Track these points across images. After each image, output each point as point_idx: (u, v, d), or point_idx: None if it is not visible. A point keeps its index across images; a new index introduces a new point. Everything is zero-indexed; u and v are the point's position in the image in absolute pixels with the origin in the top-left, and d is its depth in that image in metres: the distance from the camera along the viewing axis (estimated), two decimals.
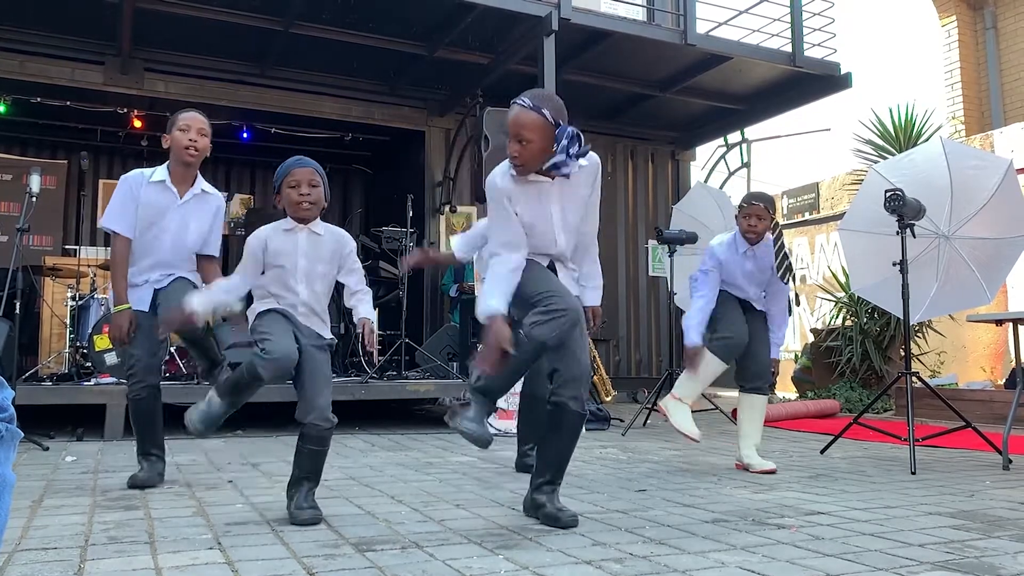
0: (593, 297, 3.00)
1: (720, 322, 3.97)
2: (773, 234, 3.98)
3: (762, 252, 4.00)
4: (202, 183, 3.51)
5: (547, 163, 2.69)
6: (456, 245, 3.88)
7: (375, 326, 2.85)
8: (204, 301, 2.84)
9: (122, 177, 3.43)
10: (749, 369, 4.00)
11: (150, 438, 3.40)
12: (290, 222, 2.81)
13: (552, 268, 2.85)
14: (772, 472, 3.85)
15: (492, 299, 2.63)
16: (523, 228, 2.74)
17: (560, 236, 2.80)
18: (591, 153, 2.78)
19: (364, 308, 2.91)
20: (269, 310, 2.79)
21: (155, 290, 3.37)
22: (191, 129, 3.39)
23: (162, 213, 3.38)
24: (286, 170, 2.81)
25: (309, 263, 2.80)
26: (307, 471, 2.75)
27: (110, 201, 3.41)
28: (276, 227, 2.83)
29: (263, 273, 2.82)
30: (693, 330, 3.88)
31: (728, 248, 4.02)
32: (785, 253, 3.97)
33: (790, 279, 3.99)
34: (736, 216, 4.07)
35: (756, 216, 3.94)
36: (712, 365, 3.94)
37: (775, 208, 4.05)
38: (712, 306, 3.97)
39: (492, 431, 5.45)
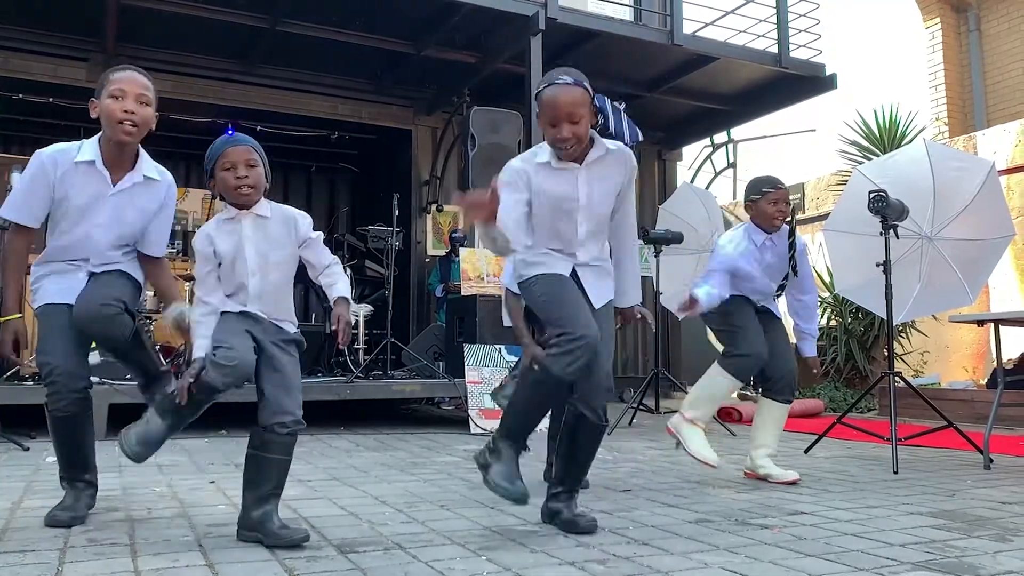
0: (635, 296, 2.82)
1: (737, 336, 3.62)
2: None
3: (779, 240, 3.72)
4: (146, 166, 2.65)
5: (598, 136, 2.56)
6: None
7: (352, 317, 2.45)
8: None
9: (36, 153, 2.57)
10: (776, 377, 3.69)
11: (80, 460, 2.67)
12: (231, 210, 2.45)
13: (574, 276, 2.65)
14: (796, 482, 3.55)
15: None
16: (540, 219, 2.60)
17: (583, 224, 2.62)
18: (617, 142, 2.69)
19: (340, 286, 2.48)
20: (221, 312, 2.46)
21: (90, 273, 2.62)
22: (127, 96, 2.51)
23: (90, 205, 2.56)
24: (218, 150, 2.41)
25: (259, 252, 2.43)
26: (275, 484, 2.39)
27: (15, 184, 2.67)
28: (218, 220, 2.47)
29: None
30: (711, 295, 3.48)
31: (743, 242, 3.65)
32: (796, 235, 3.71)
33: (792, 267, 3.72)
34: (753, 203, 3.68)
35: (784, 201, 3.64)
36: (725, 384, 3.65)
37: None
38: (726, 281, 3.53)
39: (478, 429, 5.50)
